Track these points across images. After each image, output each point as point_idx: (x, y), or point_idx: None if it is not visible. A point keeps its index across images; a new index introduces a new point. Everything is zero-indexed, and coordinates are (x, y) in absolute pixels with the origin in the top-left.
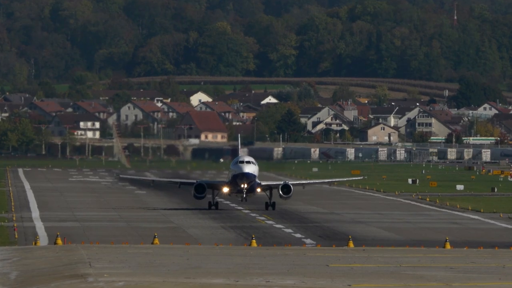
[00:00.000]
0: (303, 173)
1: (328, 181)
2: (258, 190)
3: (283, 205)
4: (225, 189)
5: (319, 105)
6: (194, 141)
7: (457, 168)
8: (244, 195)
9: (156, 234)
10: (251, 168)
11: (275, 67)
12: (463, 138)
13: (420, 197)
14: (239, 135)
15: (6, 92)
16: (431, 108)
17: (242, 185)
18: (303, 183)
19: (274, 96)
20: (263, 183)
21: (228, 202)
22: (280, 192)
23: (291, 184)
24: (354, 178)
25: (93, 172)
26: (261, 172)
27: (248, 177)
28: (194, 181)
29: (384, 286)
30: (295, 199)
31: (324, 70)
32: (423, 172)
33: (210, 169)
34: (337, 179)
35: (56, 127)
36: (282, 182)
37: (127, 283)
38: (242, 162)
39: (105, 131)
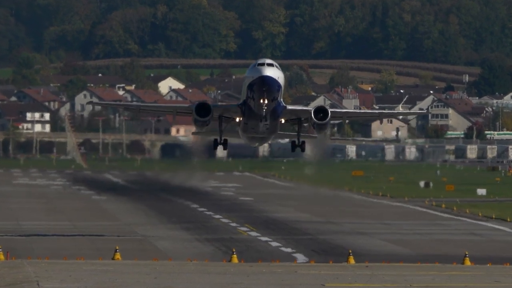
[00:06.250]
0: (294, 174)
1: (378, 112)
2: (282, 120)
3: (274, 215)
4: (237, 116)
5: (313, 93)
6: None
7: (478, 169)
8: (264, 114)
9: (117, 248)
10: (274, 72)
11: (261, 48)
12: (486, 132)
13: (434, 203)
14: None
15: None
16: (447, 97)
17: (261, 99)
18: (342, 112)
19: None
20: (289, 107)
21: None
22: (314, 119)
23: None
24: (415, 112)
25: (42, 174)
26: (243, 172)
27: (270, 83)
28: (188, 105)
29: None
30: (285, 205)
31: (319, 51)
32: (438, 173)
33: (182, 169)
34: (390, 112)
35: None
36: (313, 107)
37: None
38: (262, 64)
39: (56, 124)
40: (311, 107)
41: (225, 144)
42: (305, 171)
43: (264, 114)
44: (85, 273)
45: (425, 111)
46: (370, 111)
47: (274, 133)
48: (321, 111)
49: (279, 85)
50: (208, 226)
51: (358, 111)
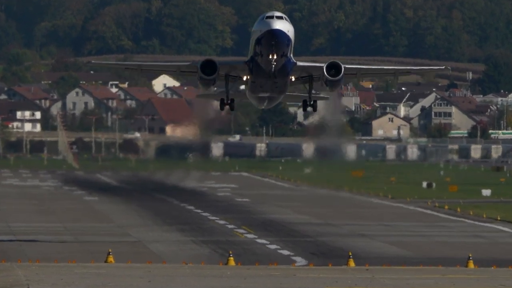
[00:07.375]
0: (292, 175)
1: (393, 68)
2: (292, 78)
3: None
4: (245, 74)
5: (313, 91)
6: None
7: (482, 169)
8: (272, 70)
9: (110, 251)
10: (283, 25)
11: None
12: (491, 131)
13: (437, 204)
14: None
15: None
16: (450, 95)
17: (270, 55)
18: (355, 68)
19: None
20: (300, 63)
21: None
22: (327, 75)
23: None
24: (434, 68)
25: (32, 174)
26: (239, 172)
27: (279, 37)
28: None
29: None
30: (283, 206)
31: (318, 48)
32: (441, 173)
33: (177, 168)
34: (406, 68)
35: None
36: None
37: None
38: (271, 17)
39: (47, 123)
40: (321, 64)
41: (231, 104)
42: (304, 171)
43: (273, 71)
44: (77, 276)
45: (444, 67)
46: (384, 67)
47: (283, 93)
48: (333, 67)
49: (289, 39)
50: (204, 227)
51: (372, 67)
